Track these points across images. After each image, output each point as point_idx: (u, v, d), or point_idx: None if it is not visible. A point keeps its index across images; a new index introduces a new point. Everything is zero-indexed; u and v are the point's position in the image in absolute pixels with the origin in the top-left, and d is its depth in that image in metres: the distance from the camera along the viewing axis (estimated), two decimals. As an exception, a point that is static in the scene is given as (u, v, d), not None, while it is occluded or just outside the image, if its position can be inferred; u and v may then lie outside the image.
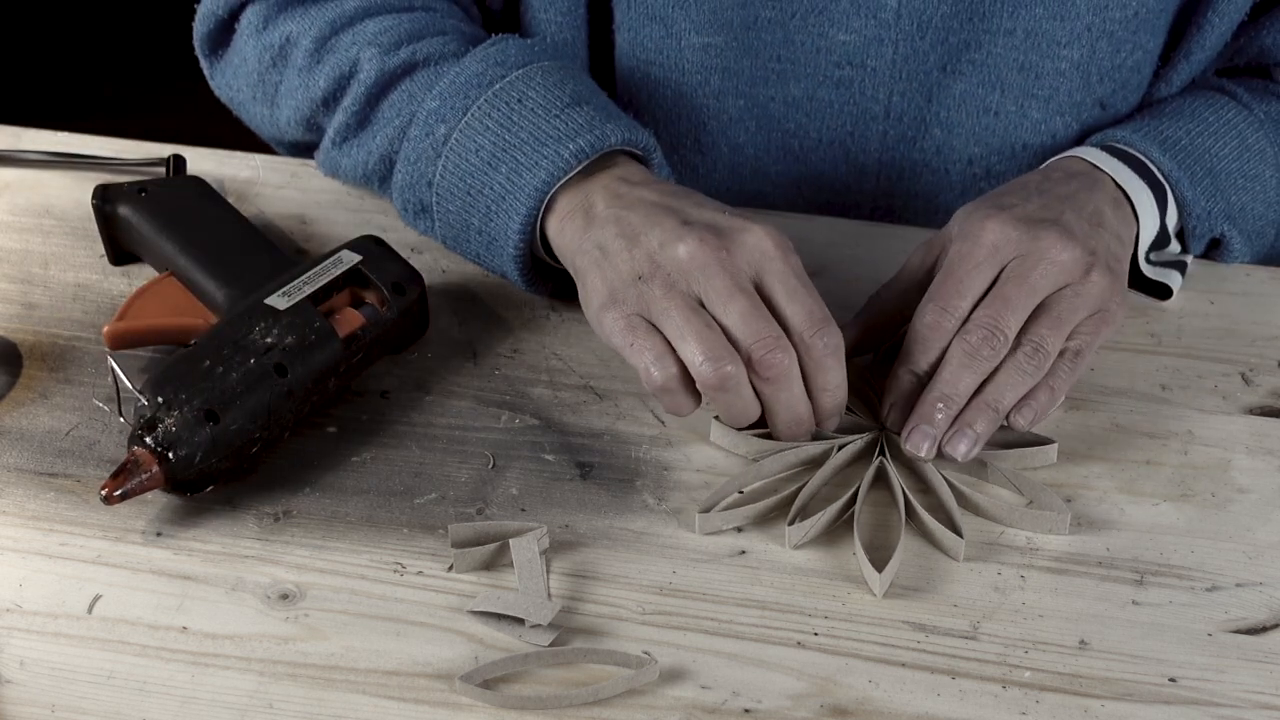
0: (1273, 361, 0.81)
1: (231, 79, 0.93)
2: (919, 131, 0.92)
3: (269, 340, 0.72)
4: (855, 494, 0.71)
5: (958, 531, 0.69)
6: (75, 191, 0.90)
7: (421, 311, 0.79)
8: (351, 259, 0.77)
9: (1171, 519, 0.72)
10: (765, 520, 0.71)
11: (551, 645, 0.65)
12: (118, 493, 0.67)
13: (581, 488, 0.73)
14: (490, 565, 0.69)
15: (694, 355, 0.69)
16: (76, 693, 0.62)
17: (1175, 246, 0.85)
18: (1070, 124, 0.90)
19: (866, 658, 0.65)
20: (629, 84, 0.92)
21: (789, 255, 0.72)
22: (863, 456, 0.74)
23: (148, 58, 2.41)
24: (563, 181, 0.76)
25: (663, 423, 0.76)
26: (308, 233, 0.88)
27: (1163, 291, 0.85)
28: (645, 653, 0.65)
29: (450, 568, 0.68)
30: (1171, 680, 0.65)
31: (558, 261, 0.78)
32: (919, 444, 0.72)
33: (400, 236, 0.85)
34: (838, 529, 0.71)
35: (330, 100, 0.86)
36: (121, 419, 0.72)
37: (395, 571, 0.68)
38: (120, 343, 0.76)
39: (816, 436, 0.73)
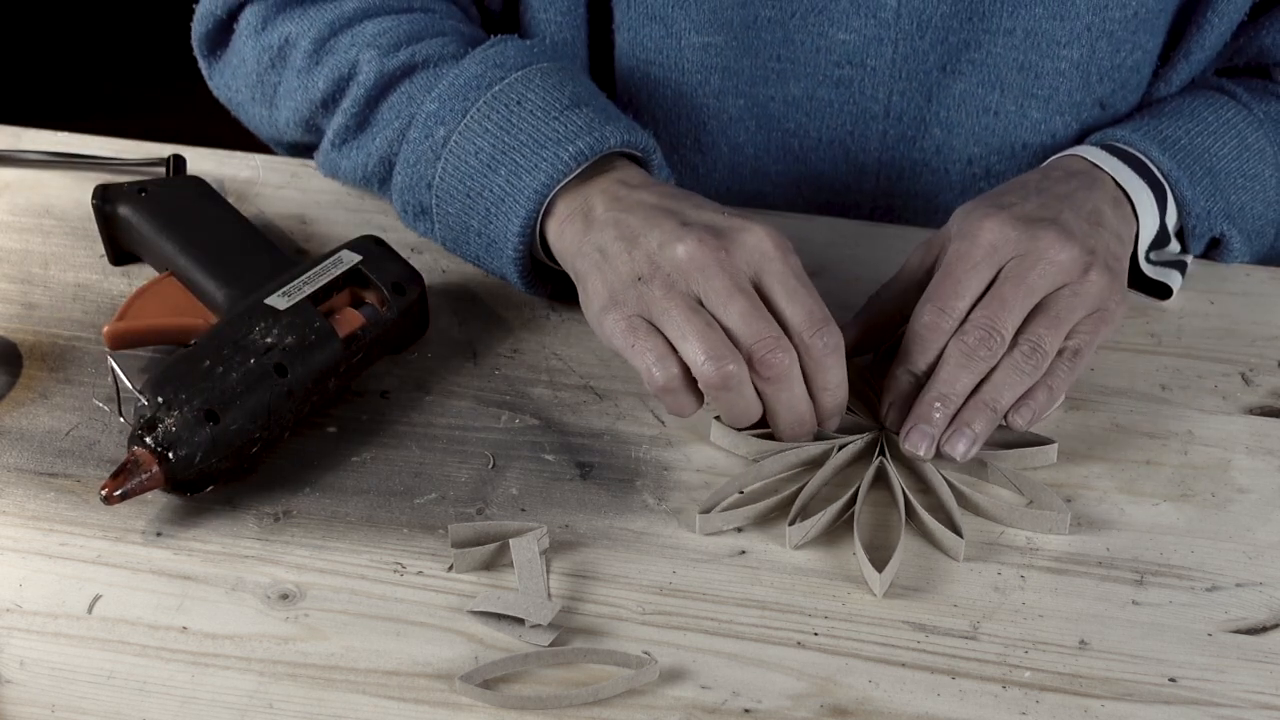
0: (1273, 361, 0.81)
1: (230, 79, 0.93)
2: (919, 131, 0.92)
3: (269, 340, 0.72)
4: (855, 494, 0.71)
5: (958, 531, 0.69)
6: (75, 191, 0.90)
7: (421, 311, 0.79)
8: (351, 259, 0.77)
9: (1171, 519, 0.72)
10: (765, 520, 0.71)
11: (551, 645, 0.65)
12: (118, 493, 0.67)
13: (581, 488, 0.73)
14: (490, 565, 0.69)
15: (696, 355, 0.69)
16: (76, 693, 0.62)
17: (1175, 246, 0.85)
18: (1070, 124, 0.90)
19: (866, 658, 0.65)
20: (629, 84, 0.92)
21: (788, 255, 0.72)
22: (863, 456, 0.74)
23: (148, 58, 2.41)
24: (562, 184, 0.76)
25: (663, 423, 0.76)
26: (308, 233, 0.88)
27: (1163, 291, 0.85)
28: (645, 653, 0.65)
29: (450, 568, 0.68)
30: (1171, 680, 0.65)
31: (557, 263, 0.78)
32: (917, 443, 0.72)
33: (400, 236, 0.85)
34: (838, 529, 0.71)
35: (329, 102, 0.86)
36: (121, 419, 0.72)
37: (395, 571, 0.68)
38: (120, 343, 0.76)
39: (817, 436, 0.73)
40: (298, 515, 0.71)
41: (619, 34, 0.90)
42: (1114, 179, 0.81)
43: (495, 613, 0.66)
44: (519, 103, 0.79)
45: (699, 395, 0.71)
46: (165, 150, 0.91)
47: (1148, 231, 0.82)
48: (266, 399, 0.70)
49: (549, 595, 0.67)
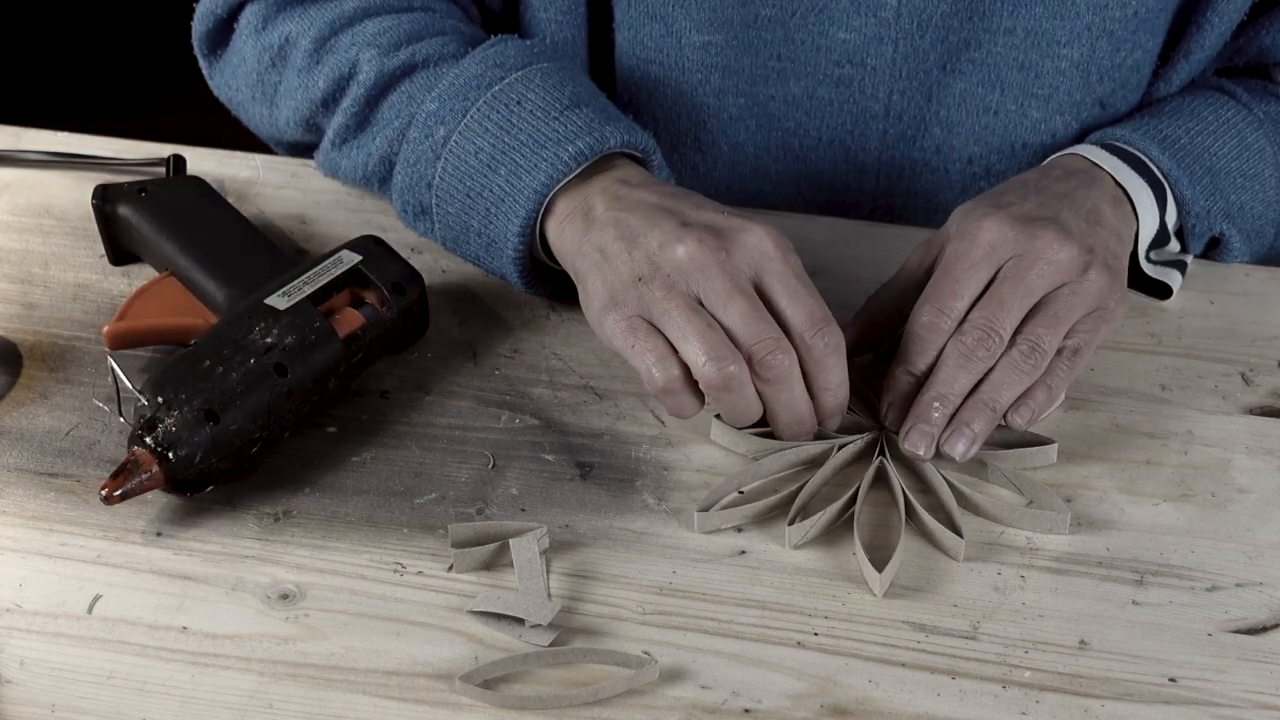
0: (1273, 361, 0.81)
1: (230, 79, 0.93)
2: (919, 130, 0.92)
3: (269, 340, 0.72)
4: (855, 494, 0.71)
5: (958, 531, 0.69)
6: (75, 191, 0.90)
7: (421, 311, 0.79)
8: (351, 259, 0.77)
9: (1171, 519, 0.72)
10: (765, 520, 0.71)
11: (551, 645, 0.65)
12: (118, 493, 0.67)
13: (581, 488, 0.73)
14: (490, 565, 0.69)
15: (696, 356, 0.69)
16: (76, 693, 0.62)
17: (1175, 245, 0.85)
18: (1070, 123, 0.90)
19: (866, 658, 0.65)
20: (629, 83, 0.92)
21: (789, 255, 0.72)
22: (863, 456, 0.74)
23: (148, 58, 2.41)
24: (562, 184, 0.76)
25: (663, 423, 0.76)
26: (308, 233, 0.88)
27: (1163, 291, 0.85)
28: (645, 653, 0.65)
29: (450, 568, 0.68)
30: (1171, 680, 0.65)
31: (557, 263, 0.78)
32: (917, 443, 0.72)
33: (400, 236, 0.85)
34: (838, 529, 0.71)
35: (329, 101, 0.86)
36: (121, 419, 0.72)
37: (395, 571, 0.68)
38: (120, 343, 0.76)
39: (817, 436, 0.73)
40: (298, 515, 0.71)
41: (619, 33, 0.90)
42: (1113, 178, 0.81)
43: (495, 613, 0.66)
44: (519, 102, 0.79)
45: (699, 396, 0.71)
46: (165, 150, 0.91)
47: (1147, 230, 0.82)
48: (266, 399, 0.70)
49: (549, 595, 0.67)
